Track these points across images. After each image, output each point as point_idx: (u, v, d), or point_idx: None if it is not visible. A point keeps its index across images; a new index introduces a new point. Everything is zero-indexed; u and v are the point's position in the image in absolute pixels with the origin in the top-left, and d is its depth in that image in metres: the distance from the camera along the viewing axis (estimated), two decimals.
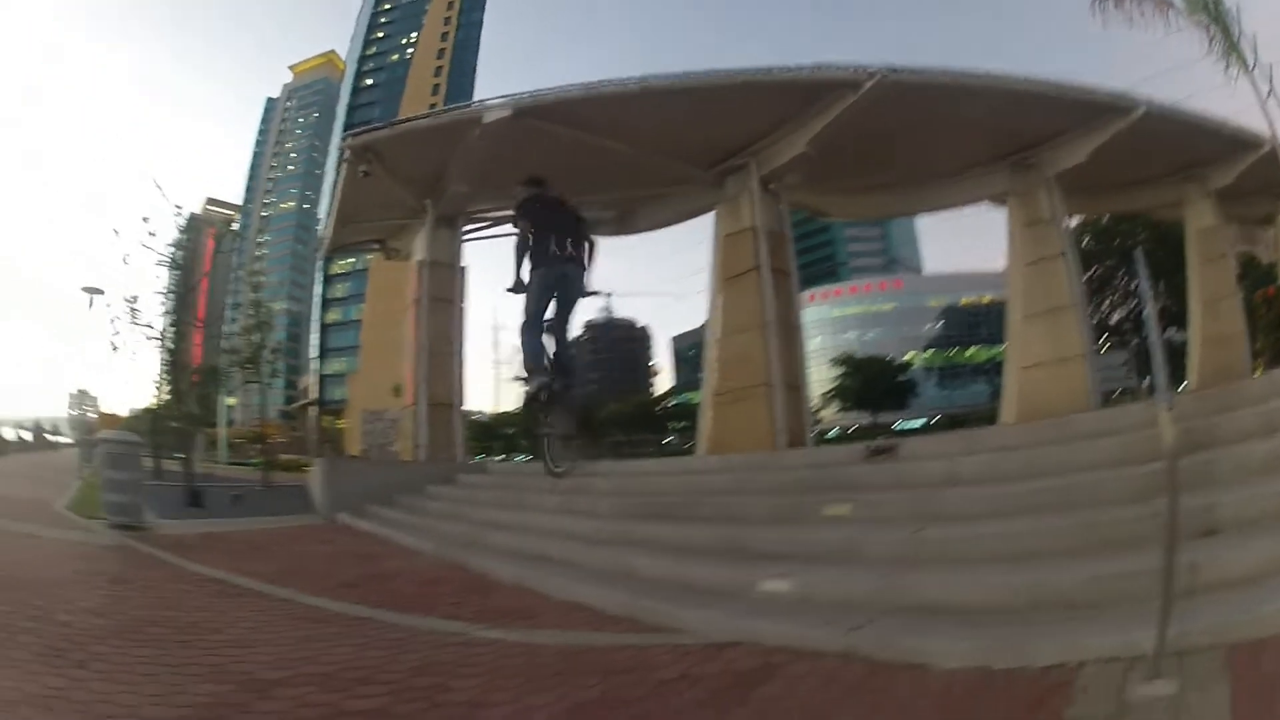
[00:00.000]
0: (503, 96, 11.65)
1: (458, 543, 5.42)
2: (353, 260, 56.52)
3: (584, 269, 5.35)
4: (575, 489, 6.35)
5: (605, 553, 4.24)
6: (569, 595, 3.45)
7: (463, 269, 14.87)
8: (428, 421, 13.31)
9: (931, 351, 56.96)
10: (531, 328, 5.20)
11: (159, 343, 12.17)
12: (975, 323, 54.88)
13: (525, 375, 5.27)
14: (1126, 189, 15.26)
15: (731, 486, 5.73)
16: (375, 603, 3.53)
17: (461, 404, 14.49)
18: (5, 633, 2.72)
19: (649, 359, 79.49)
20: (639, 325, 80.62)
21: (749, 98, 11.01)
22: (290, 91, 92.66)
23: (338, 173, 15.87)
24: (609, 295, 72.10)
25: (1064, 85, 11.42)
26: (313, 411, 56.53)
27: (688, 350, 67.19)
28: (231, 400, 44.48)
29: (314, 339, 62.08)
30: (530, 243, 5.15)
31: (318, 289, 63.12)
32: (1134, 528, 2.66)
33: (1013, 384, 13.16)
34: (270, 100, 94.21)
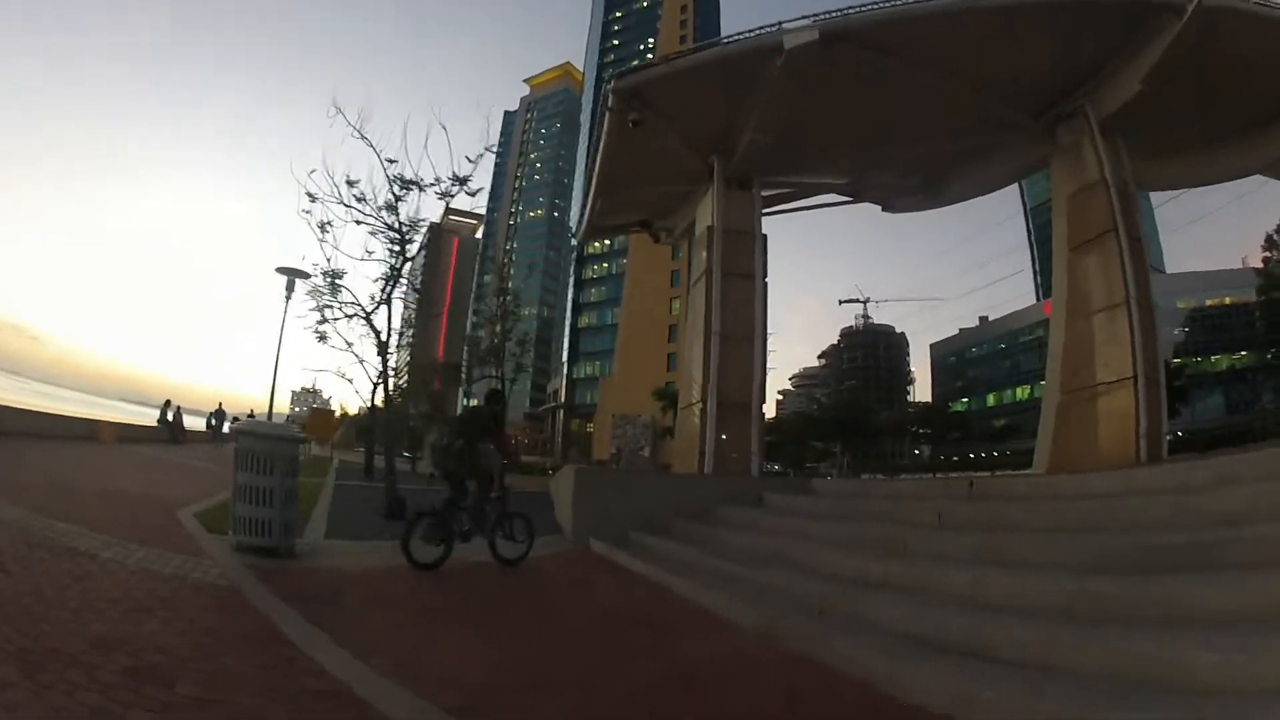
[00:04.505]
0: (806, 17, 9.86)
1: (796, 608, 3.68)
2: (606, 265, 57.52)
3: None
4: (989, 522, 4.46)
5: (1084, 636, 2.63)
6: None
7: (763, 237, 12.00)
8: (716, 424, 10.70)
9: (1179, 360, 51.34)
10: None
11: (379, 334, 8.86)
12: (1219, 326, 49.12)
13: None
14: None
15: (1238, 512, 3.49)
16: None
17: (762, 403, 11.58)
18: None
19: (906, 367, 76.26)
20: (897, 332, 76.43)
21: (1077, 17, 9.34)
22: (529, 104, 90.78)
23: (595, 136, 13.20)
24: (867, 300, 70.16)
25: None
26: (560, 415, 54.01)
27: (947, 358, 67.01)
28: (472, 401, 45.74)
29: (565, 341, 60.05)
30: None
31: (570, 292, 62.18)
32: None
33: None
34: (508, 114, 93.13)
